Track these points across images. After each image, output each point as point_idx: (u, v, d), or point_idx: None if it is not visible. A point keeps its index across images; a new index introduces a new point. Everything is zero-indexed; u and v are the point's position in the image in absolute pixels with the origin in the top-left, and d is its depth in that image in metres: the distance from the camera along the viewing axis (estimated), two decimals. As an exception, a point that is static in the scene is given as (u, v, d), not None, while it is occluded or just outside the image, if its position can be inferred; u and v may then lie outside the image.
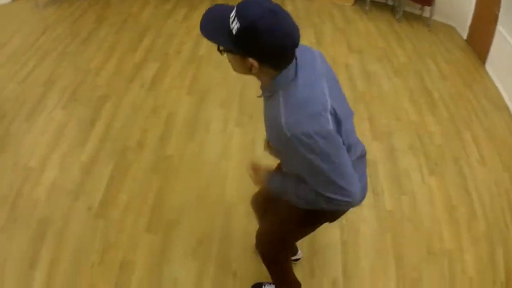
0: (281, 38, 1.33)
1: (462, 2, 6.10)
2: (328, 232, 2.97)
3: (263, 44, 1.33)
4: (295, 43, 1.38)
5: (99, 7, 5.97)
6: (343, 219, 2.95)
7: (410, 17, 6.33)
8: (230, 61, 1.50)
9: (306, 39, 5.39)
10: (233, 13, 1.35)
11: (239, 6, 1.34)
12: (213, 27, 1.41)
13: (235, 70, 1.53)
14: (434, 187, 3.42)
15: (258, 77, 1.52)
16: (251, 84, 4.41)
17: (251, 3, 1.33)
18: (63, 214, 3.01)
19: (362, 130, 3.83)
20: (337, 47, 5.25)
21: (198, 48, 5.03)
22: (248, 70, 1.45)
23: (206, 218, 3.05)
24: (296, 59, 1.49)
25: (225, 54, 1.47)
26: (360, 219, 3.09)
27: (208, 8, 1.46)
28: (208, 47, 5.04)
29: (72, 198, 3.13)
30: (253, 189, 3.17)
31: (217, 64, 4.70)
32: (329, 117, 1.44)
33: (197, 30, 5.33)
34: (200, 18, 1.44)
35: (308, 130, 1.39)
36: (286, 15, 1.35)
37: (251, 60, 1.39)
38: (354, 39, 5.48)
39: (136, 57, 4.84)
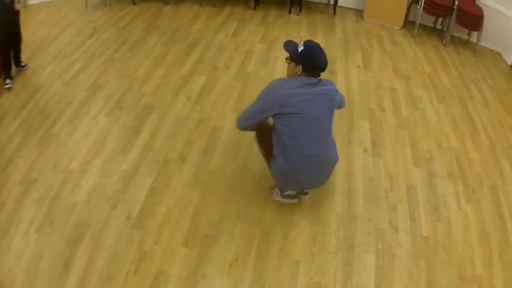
0: (317, 61, 2.90)
1: (509, 28, 6.23)
2: (365, 256, 3.10)
3: (310, 60, 2.88)
4: (322, 67, 2.91)
5: (149, 15, 6.35)
6: (379, 244, 3.19)
7: (457, 42, 6.52)
8: (287, 67, 3.05)
9: (354, 61, 5.61)
10: (300, 44, 2.93)
11: (305, 42, 2.95)
12: (291, 47, 2.98)
13: (288, 73, 3.06)
14: (470, 215, 3.54)
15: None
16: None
17: (309, 41, 2.95)
18: (101, 221, 3.22)
19: (404, 156, 4.04)
20: (383, 71, 5.44)
21: (246, 65, 5.25)
22: (295, 73, 2.95)
23: (243, 236, 3.19)
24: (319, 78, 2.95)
25: (287, 64, 3.06)
26: (397, 244, 3.22)
27: (288, 40, 3.06)
28: (256, 65, 5.26)
29: (111, 205, 3.34)
30: (292, 212, 3.32)
31: (264, 83, 4.80)
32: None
33: (246, 47, 5.63)
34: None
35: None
36: (322, 51, 2.90)
37: (299, 67, 2.91)
38: (400, 63, 5.67)
39: (183, 69, 5.10)
